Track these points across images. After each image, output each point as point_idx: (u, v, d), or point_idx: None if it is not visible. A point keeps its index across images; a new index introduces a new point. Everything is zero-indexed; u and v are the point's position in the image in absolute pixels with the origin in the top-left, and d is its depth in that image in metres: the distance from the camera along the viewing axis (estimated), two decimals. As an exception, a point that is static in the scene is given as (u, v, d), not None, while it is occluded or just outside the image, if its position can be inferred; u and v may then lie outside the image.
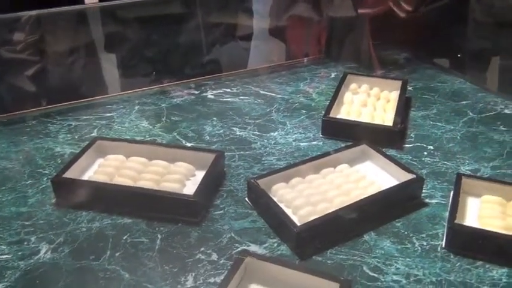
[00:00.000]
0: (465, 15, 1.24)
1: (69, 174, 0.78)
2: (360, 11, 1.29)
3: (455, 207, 0.71)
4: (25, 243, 0.69)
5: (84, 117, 1.01)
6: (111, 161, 0.83)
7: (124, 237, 0.70)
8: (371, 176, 0.81)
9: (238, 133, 0.96)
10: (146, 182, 0.77)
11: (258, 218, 0.74)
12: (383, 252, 0.68)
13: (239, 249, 0.68)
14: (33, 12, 1.05)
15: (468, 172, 0.84)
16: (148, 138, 0.94)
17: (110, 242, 0.69)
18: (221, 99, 1.09)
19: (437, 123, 0.99)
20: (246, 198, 0.78)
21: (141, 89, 1.13)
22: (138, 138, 0.94)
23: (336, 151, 0.85)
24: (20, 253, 0.67)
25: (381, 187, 0.76)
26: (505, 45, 1.18)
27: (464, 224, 0.70)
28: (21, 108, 1.04)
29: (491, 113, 1.03)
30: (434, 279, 0.64)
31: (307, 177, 0.80)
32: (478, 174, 0.84)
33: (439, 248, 0.69)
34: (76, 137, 0.94)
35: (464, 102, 1.08)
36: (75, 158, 0.82)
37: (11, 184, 0.81)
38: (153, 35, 1.22)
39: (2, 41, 1.05)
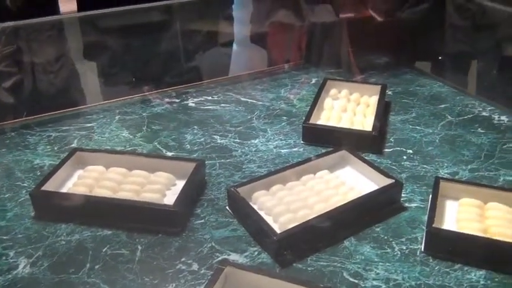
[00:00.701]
0: (443, 20, 1.25)
1: (48, 186, 0.77)
2: (340, 15, 1.30)
3: (434, 211, 0.72)
4: (3, 258, 0.68)
5: (64, 127, 1.01)
6: (91, 172, 0.82)
7: (104, 250, 0.70)
8: (351, 181, 0.81)
9: (219, 141, 0.96)
10: (126, 193, 0.77)
11: (238, 226, 0.74)
12: (363, 257, 0.69)
13: (220, 258, 0.68)
14: (10, 23, 1.05)
15: (447, 175, 0.85)
16: (129, 148, 0.94)
17: (90, 254, 0.69)
18: (202, 107, 1.09)
19: (417, 127, 1.00)
20: (227, 207, 0.78)
21: (121, 98, 1.13)
22: (118, 149, 0.93)
23: (316, 157, 0.85)
24: (-3, 268, 0.67)
25: (360, 192, 0.77)
26: (482, 48, 1.19)
27: (443, 227, 0.71)
28: (0, 120, 1.03)
29: (469, 116, 1.04)
30: (413, 283, 0.64)
31: (288, 184, 0.80)
32: (457, 177, 0.85)
33: (418, 252, 0.69)
34: (56, 148, 0.94)
35: (442, 105, 1.09)
36: (54, 170, 0.81)
37: (-11, 198, 0.81)
38: (133, 43, 1.22)
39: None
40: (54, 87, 1.15)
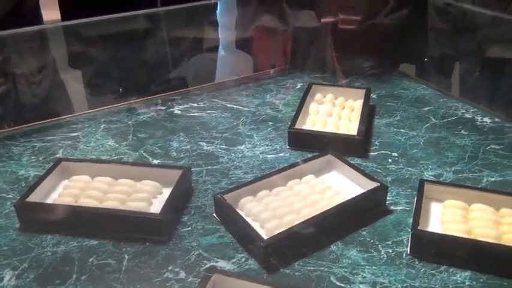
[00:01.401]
0: (425, 23, 1.27)
1: (33, 197, 0.77)
2: (322, 20, 1.31)
3: (418, 213, 0.72)
4: (-12, 271, 0.68)
5: (49, 137, 1.00)
6: (76, 182, 0.82)
7: (90, 260, 0.69)
8: (337, 185, 0.82)
9: (205, 148, 0.96)
10: (112, 202, 0.76)
11: (225, 233, 0.74)
12: (350, 261, 0.69)
13: (207, 265, 0.68)
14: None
15: (431, 177, 0.86)
16: (115, 157, 0.93)
17: (76, 265, 0.69)
18: (188, 114, 1.09)
19: (401, 130, 1.01)
20: (214, 214, 0.78)
21: (107, 107, 1.12)
22: (104, 158, 0.93)
23: (302, 162, 0.86)
24: (-18, 282, 0.66)
25: (346, 197, 0.77)
26: (464, 51, 1.21)
27: (428, 229, 0.72)
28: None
29: (452, 118, 1.06)
30: (400, 286, 0.65)
31: (274, 189, 0.80)
32: (441, 179, 0.86)
33: (404, 255, 0.70)
34: (40, 158, 0.93)
35: (426, 108, 1.10)
36: (39, 180, 0.81)
37: (-27, 210, 0.80)
38: (117, 52, 1.21)
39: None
40: (38, 97, 1.14)
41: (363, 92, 1.08)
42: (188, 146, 0.97)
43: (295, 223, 0.71)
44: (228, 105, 1.13)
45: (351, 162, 0.87)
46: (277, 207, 0.75)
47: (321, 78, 1.26)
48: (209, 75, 1.36)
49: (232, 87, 1.23)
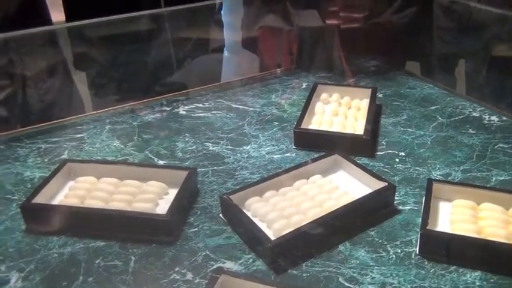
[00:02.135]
0: (431, 22, 1.26)
1: (39, 199, 0.76)
2: (327, 20, 1.31)
3: (427, 213, 0.72)
4: (-6, 273, 0.67)
5: (54, 139, 1.00)
6: (82, 183, 0.81)
7: (97, 261, 0.69)
8: (344, 185, 0.81)
9: (211, 148, 0.96)
10: (118, 203, 0.76)
11: (232, 234, 0.74)
12: (358, 262, 0.68)
13: (214, 266, 0.68)
14: (0, 35, 1.04)
15: (439, 177, 0.85)
16: (120, 158, 0.93)
17: (83, 266, 0.68)
18: (193, 115, 1.09)
19: (408, 129, 1.00)
20: (220, 215, 0.77)
21: (112, 108, 1.12)
22: (109, 159, 0.93)
23: (309, 162, 0.85)
24: (-12, 284, 0.66)
25: (354, 196, 0.77)
26: (470, 49, 1.20)
27: (437, 229, 0.71)
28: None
29: (460, 117, 1.05)
30: (409, 286, 0.64)
31: (281, 189, 0.80)
32: (449, 178, 0.85)
33: (413, 255, 0.69)
34: (46, 160, 0.93)
35: (433, 107, 1.09)
36: (45, 182, 0.81)
37: (-21, 212, 0.80)
38: (122, 52, 1.21)
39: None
40: (42, 98, 1.14)
41: (369, 91, 1.08)
42: (194, 147, 0.96)
43: (303, 223, 0.70)
44: (233, 106, 1.13)
45: (358, 162, 0.86)
46: (284, 208, 0.75)
47: (326, 78, 1.25)
48: (214, 76, 1.35)
49: (237, 88, 1.23)
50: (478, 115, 1.05)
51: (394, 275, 0.66)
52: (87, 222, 0.74)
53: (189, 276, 0.66)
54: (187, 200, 0.79)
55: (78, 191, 0.79)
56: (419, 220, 0.73)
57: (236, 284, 0.61)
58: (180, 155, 0.94)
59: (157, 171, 0.84)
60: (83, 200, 0.77)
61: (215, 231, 0.74)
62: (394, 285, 0.64)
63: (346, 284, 0.65)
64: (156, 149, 0.96)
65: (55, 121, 1.06)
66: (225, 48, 1.43)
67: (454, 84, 1.23)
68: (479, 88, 1.18)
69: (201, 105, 1.13)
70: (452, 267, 0.67)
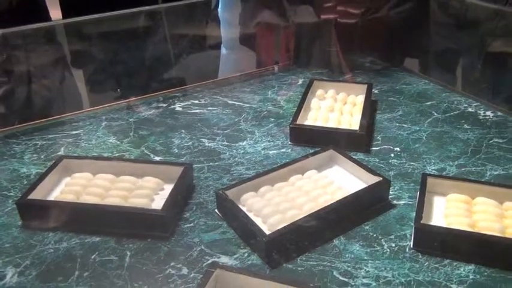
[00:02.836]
0: (427, 18, 1.26)
1: (35, 195, 0.76)
2: (323, 16, 1.31)
3: (421, 207, 0.72)
4: (-10, 268, 0.68)
5: (50, 135, 1.00)
6: (78, 179, 0.82)
7: (92, 257, 0.69)
8: (339, 180, 0.82)
9: (207, 144, 0.96)
10: (114, 199, 0.76)
11: (227, 229, 0.74)
12: (353, 256, 0.69)
13: (210, 261, 0.68)
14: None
15: (434, 172, 0.85)
16: (116, 154, 0.93)
17: (78, 262, 0.68)
18: (189, 111, 1.09)
19: (403, 125, 1.01)
20: (216, 210, 0.78)
21: (108, 105, 1.12)
22: (105, 155, 0.93)
23: (304, 157, 0.85)
24: (-16, 279, 0.66)
25: (348, 191, 0.77)
26: (466, 45, 1.20)
27: (431, 223, 0.71)
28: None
29: (455, 112, 1.05)
30: (403, 280, 0.65)
31: (276, 185, 0.80)
32: (444, 173, 0.85)
33: (407, 249, 0.69)
34: (42, 156, 0.93)
35: (429, 102, 1.10)
36: (41, 178, 0.81)
37: (-25, 208, 0.80)
38: (119, 49, 1.21)
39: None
40: (39, 95, 1.14)
41: (364, 87, 1.08)
42: (190, 143, 0.96)
43: (298, 218, 0.70)
44: (230, 102, 1.13)
45: (353, 157, 0.86)
46: (280, 203, 0.75)
47: (322, 74, 1.25)
48: (210, 72, 1.35)
49: (233, 84, 1.23)
50: (473, 110, 1.06)
51: (388, 268, 0.66)
52: (83, 217, 0.74)
53: (185, 271, 0.67)
54: (182, 195, 0.80)
55: (74, 187, 0.79)
56: (414, 214, 0.73)
57: (231, 278, 0.62)
58: (176, 151, 0.94)
59: (153, 167, 0.84)
60: (78, 196, 0.77)
61: (210, 226, 0.75)
62: (388, 279, 0.65)
63: (341, 277, 0.65)
64: (152, 145, 0.96)
65: (51, 118, 1.07)
66: (222, 45, 1.42)
67: (449, 79, 1.23)
68: (475, 83, 1.19)
69: (197, 101, 1.14)
70: (446, 261, 0.67)
